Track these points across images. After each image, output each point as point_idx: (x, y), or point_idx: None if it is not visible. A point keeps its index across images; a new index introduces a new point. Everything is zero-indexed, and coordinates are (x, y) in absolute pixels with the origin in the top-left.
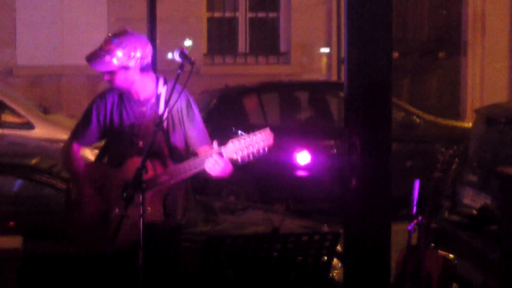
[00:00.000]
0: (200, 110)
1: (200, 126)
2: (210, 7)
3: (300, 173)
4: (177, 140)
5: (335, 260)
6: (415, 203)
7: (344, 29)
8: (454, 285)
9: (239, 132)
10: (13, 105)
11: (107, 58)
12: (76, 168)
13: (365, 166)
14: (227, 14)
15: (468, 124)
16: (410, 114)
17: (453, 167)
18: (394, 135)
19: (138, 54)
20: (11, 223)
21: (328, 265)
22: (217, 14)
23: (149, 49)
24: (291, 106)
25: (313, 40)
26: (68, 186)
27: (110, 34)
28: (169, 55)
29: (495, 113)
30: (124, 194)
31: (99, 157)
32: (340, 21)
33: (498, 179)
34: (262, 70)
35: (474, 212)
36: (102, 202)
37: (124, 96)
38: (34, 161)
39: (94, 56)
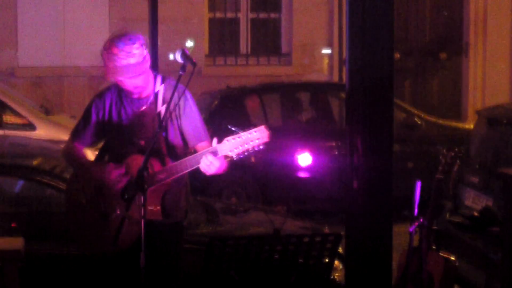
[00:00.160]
0: (202, 111)
1: (197, 122)
2: (212, 7)
3: (302, 174)
4: (174, 137)
5: (336, 262)
6: (416, 204)
7: (346, 30)
8: (456, 286)
9: (234, 129)
10: (14, 106)
11: (133, 59)
12: (84, 163)
13: (367, 167)
14: (229, 15)
15: (470, 125)
16: (411, 115)
17: (455, 168)
18: (395, 136)
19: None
20: (12, 224)
21: (330, 267)
22: (218, 15)
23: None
24: (293, 107)
25: (314, 41)
26: (68, 187)
27: (116, 41)
28: (171, 56)
29: (497, 114)
30: (126, 195)
31: (99, 157)
32: (342, 22)
33: (500, 180)
34: (264, 71)
35: (476, 213)
36: (102, 202)
37: (123, 95)
38: (35, 162)
39: (119, 70)
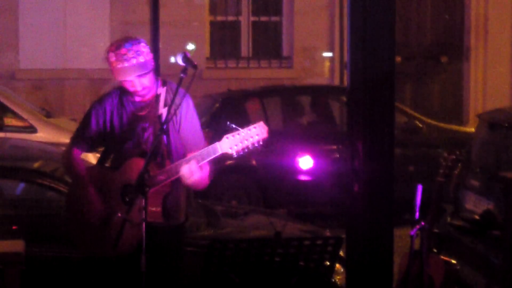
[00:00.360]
0: (203, 114)
1: (196, 129)
2: (213, 11)
3: (303, 177)
4: (175, 140)
5: (337, 265)
6: (417, 208)
7: (347, 33)
8: None
9: (233, 126)
10: (15, 109)
11: (142, 58)
12: (78, 172)
13: (368, 170)
14: (230, 18)
15: (471, 129)
16: (412, 119)
17: (456, 172)
18: (396, 140)
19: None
20: (14, 226)
21: (331, 270)
22: (220, 18)
23: None
24: (294, 110)
25: (316, 44)
26: (69, 189)
27: (123, 42)
28: (172, 59)
29: (498, 118)
30: (127, 198)
31: (100, 160)
32: (343, 25)
33: (501, 184)
34: (265, 74)
35: (477, 217)
36: (103, 205)
37: (124, 98)
38: (36, 164)
39: (130, 69)
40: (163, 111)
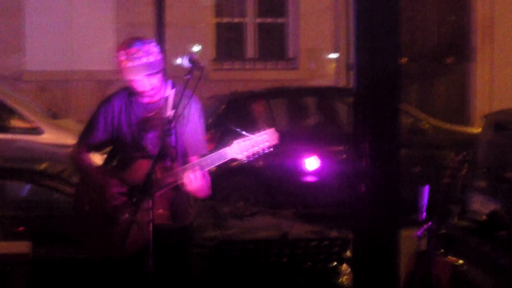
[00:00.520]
0: (209, 115)
1: (200, 135)
2: (219, 12)
3: (309, 178)
4: (182, 142)
5: (344, 265)
6: (424, 208)
7: (353, 34)
8: None
9: (244, 132)
10: (22, 110)
11: (152, 57)
12: (88, 166)
13: (374, 171)
14: (236, 20)
15: (477, 130)
16: (418, 120)
17: (462, 172)
18: (402, 141)
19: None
20: (20, 228)
21: (337, 271)
22: (225, 20)
23: None
24: (300, 111)
25: (321, 45)
26: (76, 191)
27: (133, 41)
28: (178, 61)
29: (504, 119)
30: (134, 199)
31: (107, 161)
32: (349, 27)
33: (508, 184)
34: (271, 75)
35: (483, 217)
36: (110, 206)
37: (133, 99)
38: (43, 166)
39: (139, 68)
40: (171, 113)
